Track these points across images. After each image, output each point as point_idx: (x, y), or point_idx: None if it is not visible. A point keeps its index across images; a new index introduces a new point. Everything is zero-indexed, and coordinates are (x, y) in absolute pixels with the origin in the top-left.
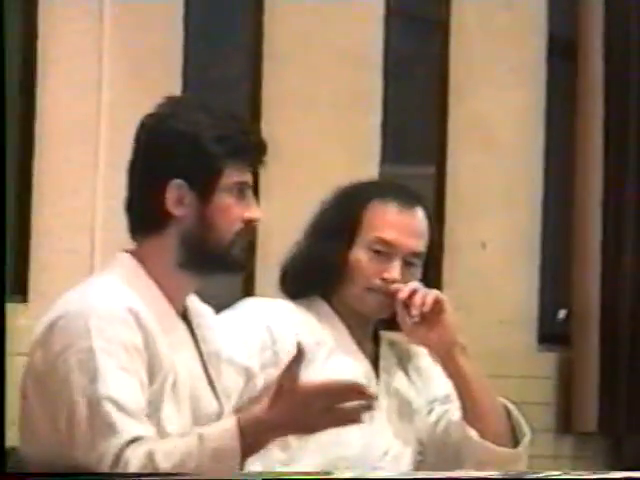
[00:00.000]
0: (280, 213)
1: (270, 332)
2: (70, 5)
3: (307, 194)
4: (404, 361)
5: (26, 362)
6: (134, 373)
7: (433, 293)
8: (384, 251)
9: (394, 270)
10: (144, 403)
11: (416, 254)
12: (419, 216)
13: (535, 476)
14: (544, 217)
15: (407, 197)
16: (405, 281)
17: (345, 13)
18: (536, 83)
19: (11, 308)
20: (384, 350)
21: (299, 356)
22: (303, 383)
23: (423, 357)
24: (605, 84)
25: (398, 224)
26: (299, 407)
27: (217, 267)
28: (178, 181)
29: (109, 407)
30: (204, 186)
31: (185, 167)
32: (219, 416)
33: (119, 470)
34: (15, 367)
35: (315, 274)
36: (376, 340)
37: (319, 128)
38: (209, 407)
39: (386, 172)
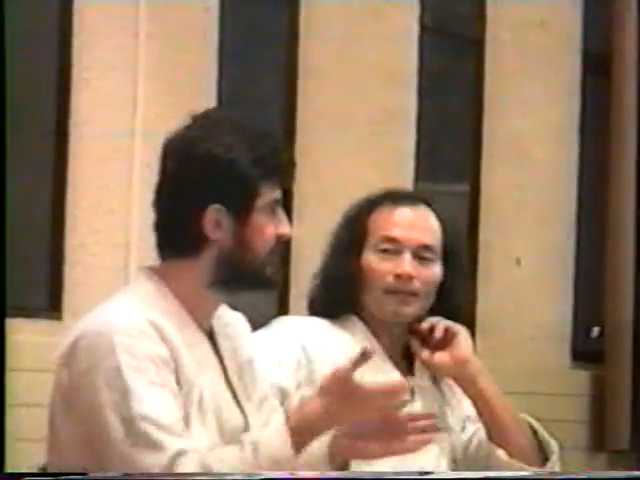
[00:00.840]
0: (314, 231)
1: (305, 351)
2: (105, 22)
3: (341, 212)
4: (437, 377)
5: (53, 381)
6: (165, 386)
7: (442, 323)
8: (392, 248)
9: (405, 264)
10: (180, 414)
11: (426, 247)
12: (424, 211)
13: (576, 476)
14: (578, 234)
15: (413, 198)
16: (421, 277)
17: (379, 31)
18: (570, 100)
19: (46, 325)
20: (418, 366)
21: (362, 359)
22: (358, 381)
23: None
24: (639, 100)
25: (403, 221)
26: (351, 402)
27: (250, 285)
28: (216, 206)
29: (146, 426)
30: (242, 209)
31: (222, 192)
32: (245, 430)
33: None
34: (47, 383)
35: (335, 290)
36: (410, 356)
37: (353, 145)
38: (234, 421)
39: (420, 189)
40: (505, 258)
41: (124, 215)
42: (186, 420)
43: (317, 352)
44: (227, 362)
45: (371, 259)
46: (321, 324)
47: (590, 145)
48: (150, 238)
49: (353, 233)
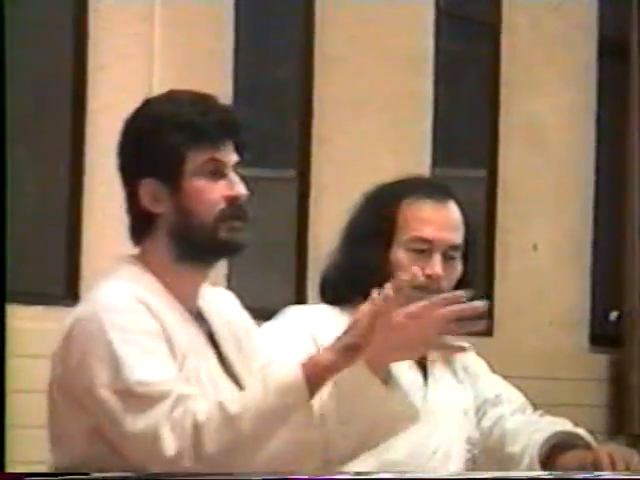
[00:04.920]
0: (331, 217)
1: (315, 340)
2: (120, 9)
3: (358, 198)
4: (451, 360)
5: (50, 374)
6: (160, 354)
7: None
8: (423, 249)
9: (436, 266)
10: (179, 378)
11: (455, 247)
12: (452, 209)
13: (582, 476)
14: (595, 218)
15: (438, 191)
16: (447, 275)
17: (395, 15)
18: (587, 84)
19: (64, 312)
20: (430, 351)
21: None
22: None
23: (469, 355)
24: None
25: (434, 220)
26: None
27: (210, 253)
28: (147, 180)
29: (142, 389)
30: (171, 177)
31: (150, 163)
32: None
33: (178, 428)
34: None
35: (357, 279)
36: None
37: (370, 131)
38: (230, 394)
39: (437, 175)
40: (522, 243)
41: None
42: None
43: (327, 341)
44: (221, 340)
45: (401, 256)
46: (331, 312)
47: (607, 129)
48: None
49: (381, 225)
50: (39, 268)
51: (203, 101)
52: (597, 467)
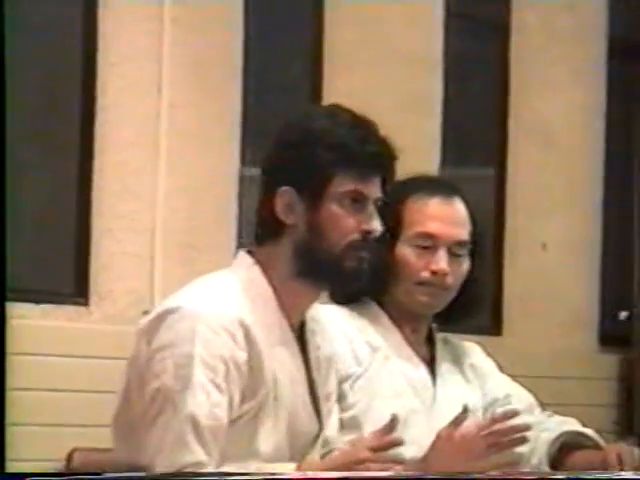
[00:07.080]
0: None
1: None
2: (130, 7)
3: None
4: (459, 360)
5: (132, 352)
6: (226, 391)
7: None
8: (429, 245)
9: (441, 261)
10: (224, 421)
11: (460, 243)
12: (458, 205)
13: (595, 477)
14: (604, 218)
15: (444, 189)
16: (453, 272)
17: (405, 15)
18: (596, 84)
19: (73, 310)
20: (439, 350)
21: (389, 427)
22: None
23: (478, 355)
24: None
25: (439, 215)
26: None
27: (330, 278)
28: (286, 188)
29: (187, 426)
30: (312, 193)
31: (293, 174)
32: (317, 436)
33: None
34: (82, 368)
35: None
36: (430, 341)
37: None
38: (307, 426)
39: (446, 174)
40: (531, 242)
41: (150, 200)
42: (255, 421)
43: (336, 342)
44: (312, 360)
45: (406, 252)
46: (340, 312)
47: (616, 129)
48: (175, 223)
49: (386, 223)
50: (48, 266)
51: (364, 127)
52: (606, 467)
